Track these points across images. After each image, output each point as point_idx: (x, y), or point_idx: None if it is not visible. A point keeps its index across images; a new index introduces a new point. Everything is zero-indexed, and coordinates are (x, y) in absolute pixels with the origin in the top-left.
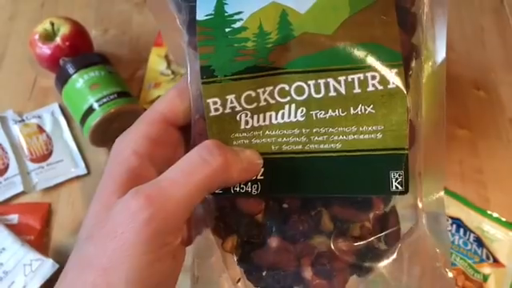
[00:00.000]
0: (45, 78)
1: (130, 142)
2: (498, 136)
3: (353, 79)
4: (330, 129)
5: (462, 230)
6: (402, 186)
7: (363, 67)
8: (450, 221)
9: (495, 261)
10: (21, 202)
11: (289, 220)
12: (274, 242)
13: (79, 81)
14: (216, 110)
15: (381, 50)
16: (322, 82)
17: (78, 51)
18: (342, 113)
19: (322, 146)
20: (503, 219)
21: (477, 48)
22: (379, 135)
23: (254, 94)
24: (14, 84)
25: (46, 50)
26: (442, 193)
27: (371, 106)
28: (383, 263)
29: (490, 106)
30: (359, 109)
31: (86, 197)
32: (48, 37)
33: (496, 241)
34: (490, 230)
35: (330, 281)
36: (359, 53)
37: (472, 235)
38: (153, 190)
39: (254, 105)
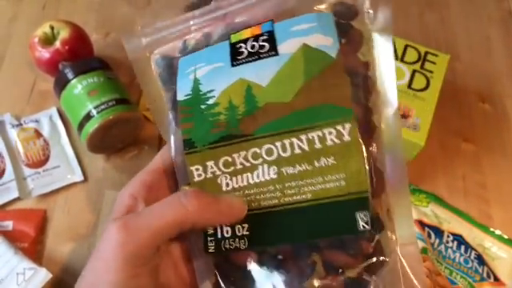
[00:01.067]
0: (44, 82)
1: (129, 186)
2: (503, 151)
3: (313, 137)
4: (300, 182)
5: (463, 247)
6: (368, 224)
7: (320, 125)
8: (451, 237)
9: (496, 279)
10: (16, 208)
11: (285, 270)
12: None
13: (78, 86)
14: (199, 175)
15: (334, 108)
16: (287, 142)
17: (78, 55)
18: (308, 166)
19: (295, 198)
20: (506, 237)
21: (483, 58)
22: (342, 182)
23: (230, 159)
24: (13, 87)
25: (45, 53)
26: (413, 226)
27: (332, 157)
28: None
29: (495, 120)
30: (322, 161)
31: (82, 204)
32: (47, 40)
33: (497, 259)
34: (492, 248)
35: None
36: (316, 113)
37: (473, 252)
38: (130, 219)
39: (232, 168)
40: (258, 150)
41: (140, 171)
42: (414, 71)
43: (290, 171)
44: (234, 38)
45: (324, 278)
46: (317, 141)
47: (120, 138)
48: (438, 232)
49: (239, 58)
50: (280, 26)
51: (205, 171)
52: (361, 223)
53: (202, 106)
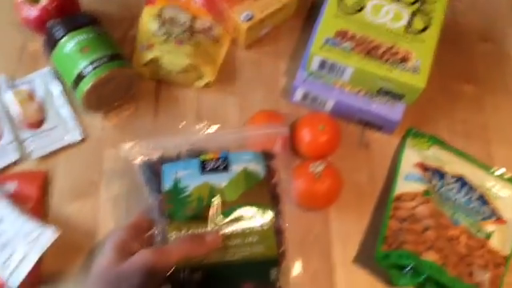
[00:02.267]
0: (34, 42)
1: (120, 232)
2: (506, 91)
3: (247, 223)
4: (236, 249)
5: (465, 188)
6: (276, 276)
7: (252, 217)
8: (454, 179)
9: (498, 218)
10: (17, 171)
11: None
12: None
13: (68, 45)
14: (173, 238)
15: (260, 208)
16: (231, 225)
17: (66, 11)
18: (241, 241)
19: (232, 258)
20: (508, 175)
21: None
22: (262, 250)
23: (195, 230)
24: (2, 50)
25: (32, 12)
26: (299, 268)
27: (256, 237)
28: None
29: (497, 59)
30: (250, 239)
31: (83, 164)
32: None
33: (500, 198)
34: (495, 187)
35: None
36: (249, 210)
37: (475, 193)
38: (158, 249)
39: None
40: (212, 228)
41: (126, 225)
42: (414, 12)
43: (230, 243)
44: (202, 158)
45: None
46: (247, 228)
47: (116, 95)
48: (440, 174)
49: (206, 169)
50: (232, 155)
51: (179, 235)
52: (272, 275)
53: (180, 196)
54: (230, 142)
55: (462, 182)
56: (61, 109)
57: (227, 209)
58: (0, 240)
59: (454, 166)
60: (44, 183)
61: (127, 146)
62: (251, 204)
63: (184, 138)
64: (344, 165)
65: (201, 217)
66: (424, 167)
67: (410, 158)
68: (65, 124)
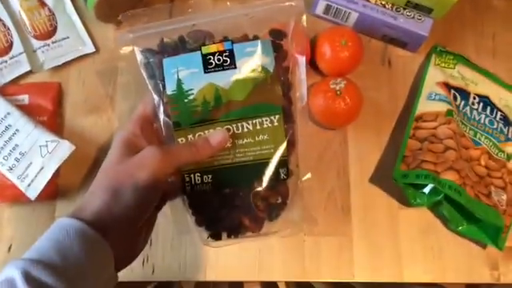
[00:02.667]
0: None
1: (128, 126)
2: None
3: (255, 121)
4: (245, 149)
5: (488, 108)
6: (286, 175)
7: (261, 115)
8: (477, 99)
9: None
10: (30, 82)
11: (234, 200)
12: (225, 212)
13: None
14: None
15: (270, 106)
16: (239, 124)
17: None
18: (252, 140)
19: (242, 159)
20: None
21: None
22: (272, 150)
23: (202, 133)
24: None
25: None
26: (309, 174)
27: (266, 134)
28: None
29: None
30: (260, 137)
31: (97, 76)
32: None
33: None
34: None
35: (257, 223)
36: (258, 108)
37: (499, 113)
38: (165, 147)
39: None
40: (220, 128)
41: (131, 118)
42: None
43: (239, 142)
44: (205, 50)
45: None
46: (257, 124)
47: (128, 3)
48: (464, 94)
49: (209, 67)
50: (237, 47)
51: (186, 141)
52: (282, 175)
53: (185, 100)
54: (237, 21)
55: (485, 102)
56: (72, 17)
57: (235, 109)
58: (16, 151)
59: (479, 85)
60: (58, 95)
61: (122, 33)
62: (260, 101)
63: (183, 19)
64: (365, 83)
65: (208, 120)
66: (448, 86)
67: (434, 76)
68: (77, 34)
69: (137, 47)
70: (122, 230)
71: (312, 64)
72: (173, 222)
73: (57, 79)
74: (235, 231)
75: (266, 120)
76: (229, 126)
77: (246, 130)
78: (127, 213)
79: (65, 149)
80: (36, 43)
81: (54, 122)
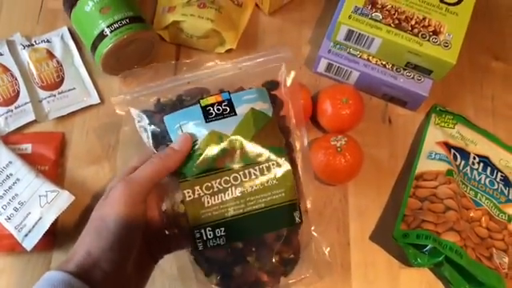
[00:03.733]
0: (53, 0)
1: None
2: None
3: (263, 167)
4: (256, 196)
5: (489, 169)
6: (300, 219)
7: (267, 160)
8: (478, 159)
9: None
10: (34, 131)
11: (247, 255)
12: (239, 268)
13: (88, 3)
14: (189, 196)
15: (274, 148)
16: (247, 171)
17: None
18: (261, 186)
19: (254, 207)
20: None
21: None
22: (283, 194)
23: (209, 184)
24: (21, 6)
25: None
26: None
27: (275, 179)
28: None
29: None
30: (269, 182)
31: (101, 126)
32: None
33: None
34: None
35: (275, 278)
36: (263, 152)
37: (499, 174)
38: (130, 176)
39: (211, 191)
40: (228, 178)
41: (124, 169)
42: None
43: (249, 190)
44: (203, 103)
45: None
46: (265, 169)
47: (135, 58)
48: (464, 154)
49: (210, 116)
50: (235, 96)
51: (193, 193)
52: (296, 219)
53: (191, 152)
54: (229, 75)
55: (485, 162)
56: (80, 69)
57: (240, 156)
58: (16, 200)
59: (479, 145)
60: (61, 145)
61: (118, 98)
62: (264, 146)
63: (177, 78)
64: (365, 140)
65: (214, 169)
66: (448, 146)
67: (434, 135)
68: (83, 86)
69: (133, 109)
70: (108, 276)
71: (313, 120)
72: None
73: (61, 129)
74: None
75: (273, 164)
76: (236, 174)
77: (253, 176)
78: (108, 256)
79: (64, 199)
80: (42, 93)
81: (55, 171)
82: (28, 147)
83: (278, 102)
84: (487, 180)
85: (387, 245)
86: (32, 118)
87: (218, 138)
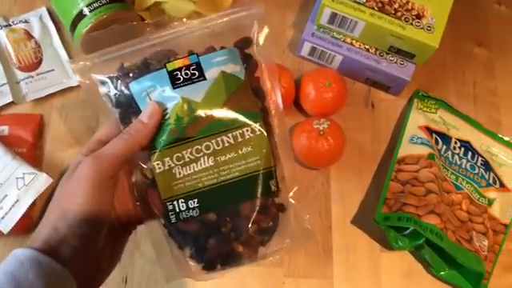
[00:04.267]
0: None
1: (84, 150)
2: None
3: (236, 134)
4: (230, 165)
5: (470, 154)
6: (276, 187)
7: (241, 126)
8: (459, 143)
9: (502, 185)
10: (11, 113)
11: (222, 227)
12: (213, 240)
13: None
14: (159, 168)
15: (248, 114)
16: (219, 139)
17: None
18: (235, 154)
19: (228, 176)
20: None
21: None
22: (258, 161)
23: (180, 154)
24: None
25: None
26: (296, 187)
27: (250, 146)
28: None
29: (510, 23)
30: (244, 150)
31: (80, 109)
32: None
33: (504, 165)
34: (500, 154)
35: (251, 249)
36: (236, 118)
37: (480, 159)
38: (97, 152)
39: (182, 161)
40: (200, 147)
41: (90, 141)
42: None
43: (222, 158)
44: (170, 67)
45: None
46: (239, 136)
47: (115, 39)
48: (446, 138)
49: (178, 82)
50: (204, 58)
51: (163, 165)
52: (272, 187)
53: (161, 121)
54: (198, 35)
55: (467, 147)
56: (59, 50)
57: (211, 122)
58: None
59: (460, 130)
60: (39, 127)
61: (79, 64)
62: (237, 111)
63: (142, 40)
64: (348, 124)
65: (184, 138)
66: (430, 130)
67: (416, 120)
68: (62, 67)
69: (96, 75)
70: (77, 253)
71: (296, 104)
72: (159, 267)
73: (39, 111)
74: (229, 260)
75: (247, 130)
76: (208, 143)
77: (227, 144)
78: (76, 232)
79: (42, 181)
80: (20, 75)
81: (33, 154)
82: (5, 129)
83: (251, 62)
84: (468, 164)
85: (369, 228)
86: (9, 99)
87: (187, 104)
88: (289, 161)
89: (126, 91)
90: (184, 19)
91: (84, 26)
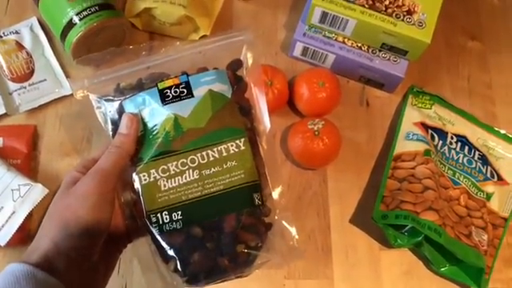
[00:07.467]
0: None
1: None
2: (511, 49)
3: (221, 148)
4: (214, 179)
5: (466, 148)
6: (260, 201)
7: (225, 141)
8: (455, 138)
9: (499, 179)
10: (4, 125)
11: (208, 241)
12: (197, 255)
13: None
14: (145, 180)
15: (233, 130)
16: (204, 153)
17: None
18: (220, 168)
19: (212, 190)
20: (510, 136)
21: None
22: (243, 175)
23: (166, 167)
24: None
25: None
26: (283, 200)
27: (234, 161)
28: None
29: (504, 17)
30: (228, 164)
31: (74, 118)
32: None
33: (502, 158)
34: (496, 147)
35: (236, 264)
36: (221, 134)
37: (477, 153)
38: (92, 169)
39: (167, 174)
40: (185, 160)
41: (84, 159)
42: None
43: (207, 172)
44: (161, 86)
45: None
46: (223, 151)
47: (107, 47)
48: (442, 134)
49: (167, 99)
50: (193, 78)
51: (149, 177)
52: (256, 200)
53: (150, 136)
54: (190, 59)
55: (463, 141)
56: (50, 60)
57: (197, 137)
58: None
59: (456, 125)
60: (33, 138)
61: (77, 83)
62: (222, 127)
63: (137, 62)
64: (343, 123)
65: (170, 151)
66: (425, 126)
67: (411, 116)
68: (54, 77)
69: (92, 94)
70: (73, 266)
71: (290, 105)
72: (145, 283)
73: (33, 122)
74: (213, 274)
75: (232, 145)
76: (193, 157)
77: (212, 158)
78: (76, 244)
79: (38, 193)
80: (12, 86)
81: (28, 165)
82: None
83: (242, 83)
84: (465, 159)
85: (367, 227)
86: (2, 111)
87: (173, 119)
88: (277, 180)
89: (119, 109)
90: (177, 43)
91: (74, 35)
